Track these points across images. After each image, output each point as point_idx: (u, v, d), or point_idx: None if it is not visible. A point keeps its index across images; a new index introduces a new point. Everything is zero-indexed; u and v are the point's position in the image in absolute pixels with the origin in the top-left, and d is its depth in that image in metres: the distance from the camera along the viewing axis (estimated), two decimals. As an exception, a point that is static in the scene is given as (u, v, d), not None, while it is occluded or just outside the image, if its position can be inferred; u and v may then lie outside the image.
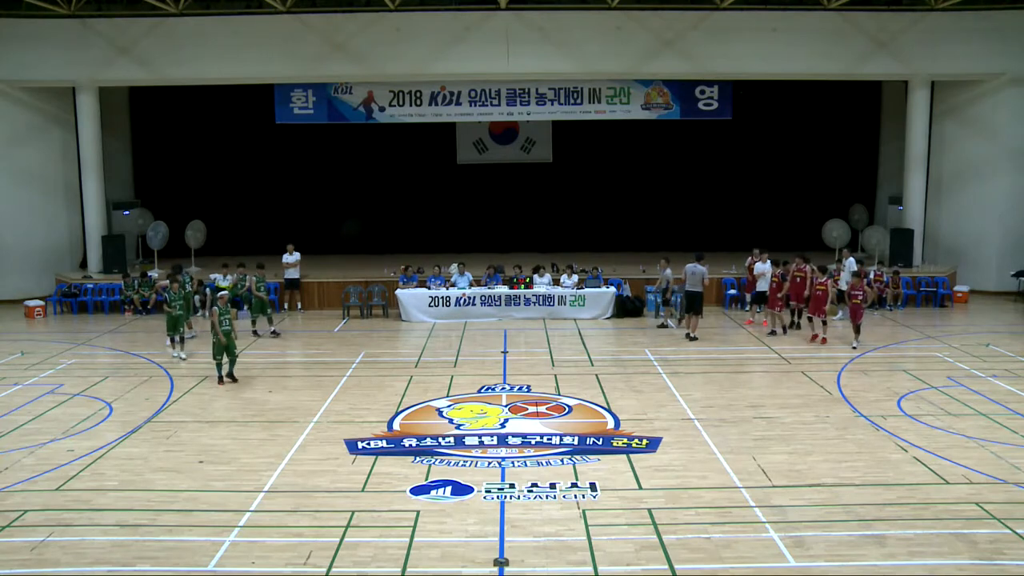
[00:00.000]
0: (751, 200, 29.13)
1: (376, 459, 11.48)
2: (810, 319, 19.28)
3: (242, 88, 25.37)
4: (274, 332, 19.99)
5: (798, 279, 19.53)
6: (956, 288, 23.93)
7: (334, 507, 9.89)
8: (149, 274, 23.89)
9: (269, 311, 20.12)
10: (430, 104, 25.08)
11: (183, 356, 17.54)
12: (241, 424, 13.22)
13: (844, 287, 21.42)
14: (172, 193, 28.52)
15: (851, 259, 21.98)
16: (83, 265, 25.65)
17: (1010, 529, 9.13)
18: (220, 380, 15.55)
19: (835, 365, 16.54)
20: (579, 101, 25.07)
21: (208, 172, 28.96)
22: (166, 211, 27.22)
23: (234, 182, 29.02)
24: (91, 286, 23.70)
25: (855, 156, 29.42)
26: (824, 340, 18.59)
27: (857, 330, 18.25)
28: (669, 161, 29.24)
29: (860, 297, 18.38)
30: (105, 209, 25.47)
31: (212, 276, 23.08)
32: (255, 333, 19.97)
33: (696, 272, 19.14)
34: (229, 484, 10.66)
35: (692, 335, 19.13)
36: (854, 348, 17.91)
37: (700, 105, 25.11)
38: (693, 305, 19.28)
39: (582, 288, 22.12)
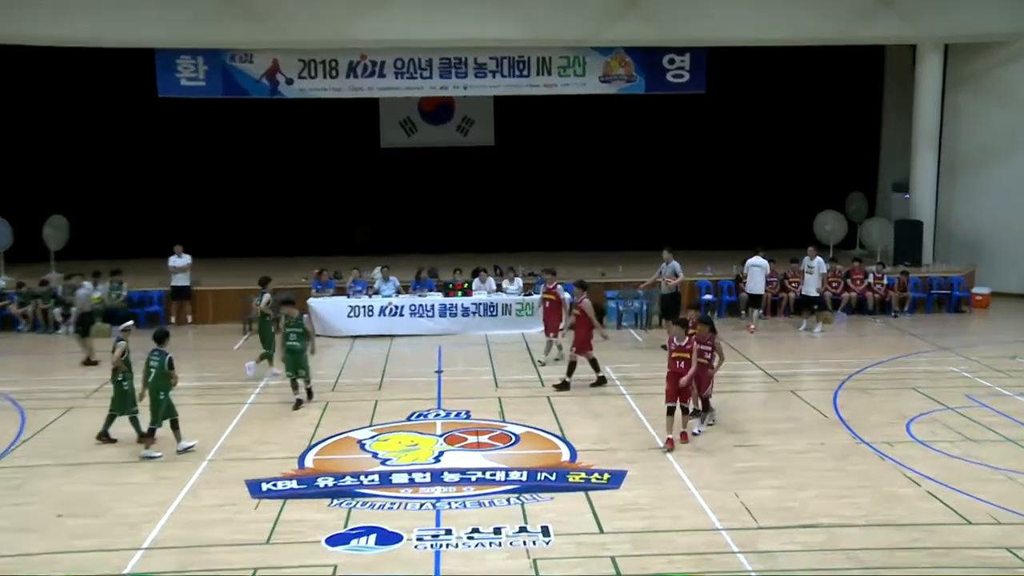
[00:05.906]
0: (731, 190, 29.43)
1: (284, 503, 11.38)
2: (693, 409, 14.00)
3: (114, 53, 24.94)
4: (308, 392, 16.22)
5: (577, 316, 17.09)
6: (974, 290, 24.29)
7: (231, 564, 9.74)
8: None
9: (304, 371, 16.04)
10: (348, 76, 25.03)
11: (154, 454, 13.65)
12: (116, 465, 12.96)
13: (814, 292, 21.59)
14: (24, 183, 27.77)
15: (819, 259, 21.84)
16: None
17: (1044, 576, 9.25)
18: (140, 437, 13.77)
19: (831, 382, 16.75)
20: (525, 73, 25.20)
21: (72, 158, 28.33)
22: (16, 205, 26.44)
23: (106, 170, 28.50)
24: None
25: (853, 135, 29.89)
26: (670, 443, 13.30)
27: (705, 404, 14.16)
28: (633, 144, 29.48)
29: (708, 355, 13.81)
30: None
31: (83, 284, 22.60)
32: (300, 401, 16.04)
33: (676, 269, 19.90)
34: (98, 542, 10.38)
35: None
36: (696, 434, 13.76)
37: (669, 77, 25.36)
38: (674, 309, 19.45)
39: (530, 294, 22.18)
